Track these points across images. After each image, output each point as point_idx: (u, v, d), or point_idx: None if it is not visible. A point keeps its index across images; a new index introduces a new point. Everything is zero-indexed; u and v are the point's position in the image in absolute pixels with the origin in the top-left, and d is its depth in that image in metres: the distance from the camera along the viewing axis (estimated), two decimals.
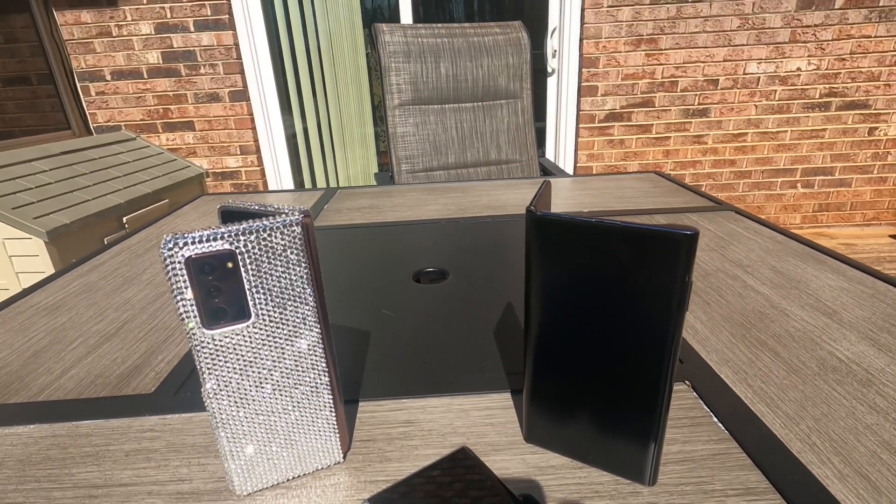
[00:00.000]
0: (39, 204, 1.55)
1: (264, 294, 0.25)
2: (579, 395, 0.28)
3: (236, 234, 0.24)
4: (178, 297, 0.23)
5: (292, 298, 0.26)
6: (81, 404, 0.38)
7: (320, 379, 0.28)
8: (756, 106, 2.42)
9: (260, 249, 0.24)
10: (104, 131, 2.52)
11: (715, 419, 0.33)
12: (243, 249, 0.24)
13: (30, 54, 2.47)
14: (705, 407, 0.34)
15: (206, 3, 2.31)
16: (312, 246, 0.26)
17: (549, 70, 2.54)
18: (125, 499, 0.29)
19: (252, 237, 0.24)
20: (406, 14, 2.49)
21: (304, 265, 0.25)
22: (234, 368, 0.26)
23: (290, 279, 0.25)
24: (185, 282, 0.23)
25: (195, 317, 0.24)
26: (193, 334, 0.24)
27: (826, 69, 2.35)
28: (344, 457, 0.31)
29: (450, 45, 1.49)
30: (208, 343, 0.25)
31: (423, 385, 0.38)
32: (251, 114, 2.52)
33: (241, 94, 2.46)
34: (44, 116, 2.59)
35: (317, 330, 0.27)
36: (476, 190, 0.99)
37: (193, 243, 0.23)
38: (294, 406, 0.28)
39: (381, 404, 0.36)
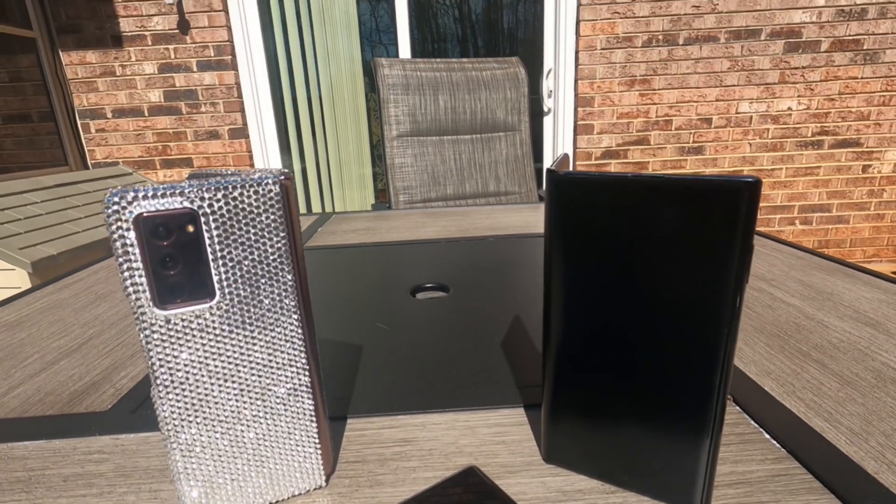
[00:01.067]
0: (27, 235, 1.50)
1: (232, 268, 0.21)
2: (611, 403, 0.24)
3: (199, 191, 0.19)
4: (125, 266, 0.19)
5: (266, 275, 0.21)
6: (20, 423, 0.32)
7: (299, 378, 0.23)
8: (750, 144, 2.45)
9: (228, 211, 0.20)
10: (101, 168, 2.51)
11: (767, 436, 0.28)
12: (207, 210, 0.20)
13: (33, 92, 2.50)
14: (753, 422, 0.29)
15: (209, 44, 2.36)
16: (293, 214, 0.22)
17: (546, 109, 2.58)
18: None
19: (219, 195, 0.20)
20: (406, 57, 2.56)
21: (281, 234, 0.21)
22: (192, 361, 0.21)
23: (265, 251, 0.21)
24: (132, 246, 0.19)
25: (144, 292, 0.19)
26: (142, 314, 0.20)
27: (816, 109, 2.40)
28: (327, 481, 0.26)
29: (448, 79, 1.51)
30: (160, 326, 0.20)
31: (423, 400, 0.33)
32: (250, 151, 2.53)
33: (241, 132, 2.48)
34: (42, 153, 2.59)
35: (296, 316, 0.22)
36: (476, 213, 0.96)
37: (146, 198, 0.19)
38: (266, 412, 0.23)
39: (372, 421, 0.31)
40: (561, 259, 0.23)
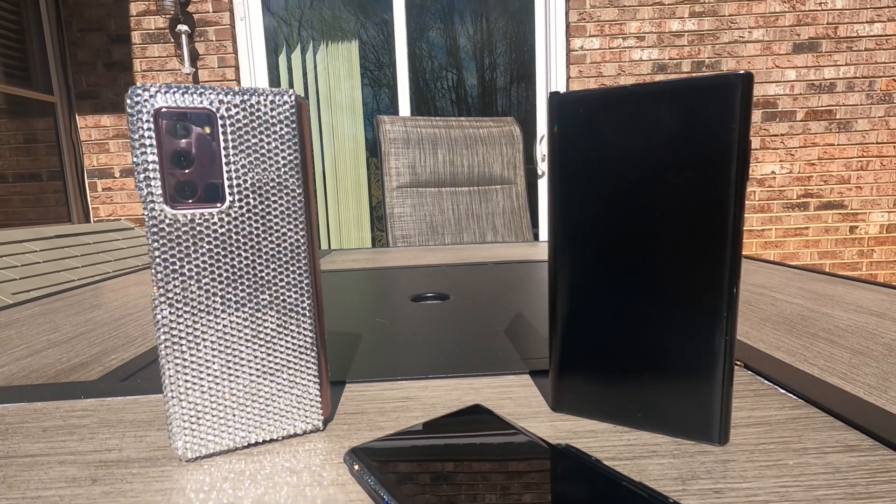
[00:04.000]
0: (21, 281, 1.49)
1: (244, 175, 0.21)
2: (620, 335, 0.23)
3: (218, 94, 0.20)
4: (141, 159, 0.19)
5: (277, 187, 0.22)
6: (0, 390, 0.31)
7: (302, 300, 0.23)
8: None
9: (245, 117, 0.21)
10: (103, 222, 2.55)
11: (782, 391, 0.27)
12: (225, 114, 0.21)
13: (45, 153, 2.59)
14: (767, 382, 0.28)
15: None
16: (306, 132, 0.22)
17: (540, 173, 2.68)
18: (26, 468, 0.22)
19: (237, 99, 0.21)
20: None
21: (294, 147, 0.22)
22: (196, 266, 0.21)
23: (277, 162, 0.22)
24: (150, 140, 0.19)
25: (156, 187, 0.20)
26: (152, 209, 0.20)
27: (798, 173, 2.50)
28: (324, 426, 0.24)
29: (447, 135, 1.58)
30: (168, 225, 0.20)
31: (424, 369, 0.32)
32: None
33: None
34: (46, 210, 2.63)
35: (303, 232, 0.22)
36: (475, 248, 0.97)
37: (167, 93, 0.20)
38: (265, 334, 0.22)
39: (372, 386, 0.30)
40: (566, 181, 0.23)
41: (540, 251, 0.93)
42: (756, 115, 2.46)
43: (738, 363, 0.31)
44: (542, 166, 2.67)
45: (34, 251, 1.69)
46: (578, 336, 0.24)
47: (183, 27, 2.31)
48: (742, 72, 0.19)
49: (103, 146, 2.57)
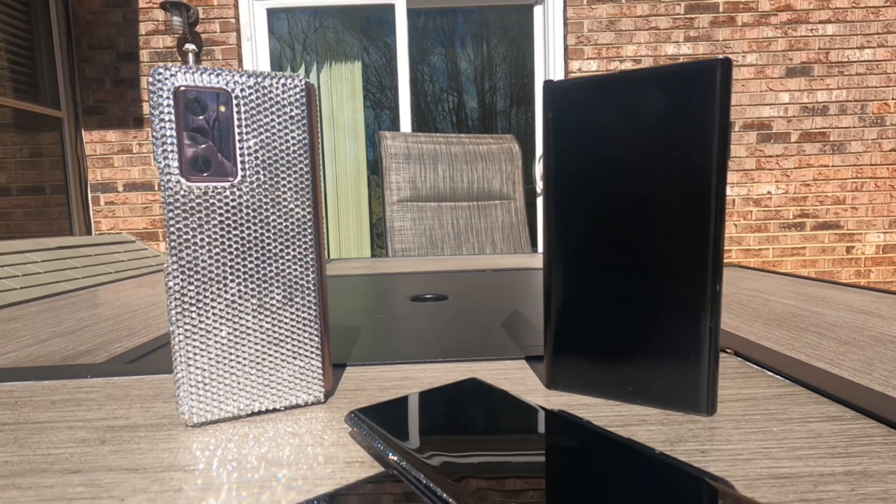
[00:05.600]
0: (22, 290, 1.50)
1: (256, 151, 0.22)
2: (612, 316, 0.24)
3: (233, 75, 0.22)
4: (159, 134, 0.21)
5: (286, 164, 0.23)
6: (6, 371, 0.31)
7: (307, 274, 0.24)
8: (735, 225, 2.55)
9: (258, 97, 0.22)
10: (105, 235, 2.56)
11: (770, 374, 0.28)
12: (239, 94, 0.22)
13: (50, 167, 2.63)
14: (755, 366, 0.29)
15: None
16: (313, 115, 0.24)
17: (539, 192, 2.71)
18: (36, 432, 0.22)
19: (251, 80, 0.22)
20: None
21: (303, 127, 0.23)
22: (208, 237, 0.22)
23: (287, 140, 0.23)
24: (169, 116, 0.21)
25: (173, 160, 0.21)
26: (168, 182, 0.21)
27: (794, 193, 2.53)
28: (325, 399, 0.25)
29: (447, 151, 1.61)
30: (183, 196, 0.21)
31: (423, 355, 0.32)
32: None
33: None
34: (49, 223, 2.65)
35: (310, 208, 0.24)
36: (473, 258, 0.98)
37: (186, 73, 0.21)
38: (272, 304, 0.23)
39: (371, 368, 0.31)
40: (560, 164, 0.24)
41: (538, 261, 0.94)
42: (751, 136, 2.50)
43: (728, 350, 0.32)
44: (541, 185, 2.70)
45: (35, 261, 1.70)
46: (572, 314, 0.25)
47: (190, 46, 2.36)
48: (721, 56, 0.20)
49: (107, 161, 2.61)
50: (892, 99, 2.49)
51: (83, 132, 2.58)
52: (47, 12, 2.49)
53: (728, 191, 2.52)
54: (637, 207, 0.23)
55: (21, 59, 2.41)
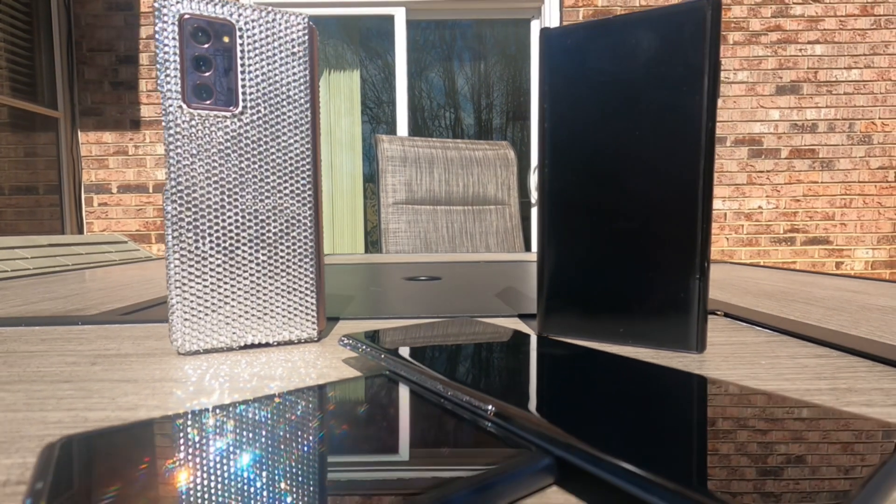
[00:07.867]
0: None
1: (258, 84, 0.23)
2: (604, 256, 0.24)
3: (239, 7, 0.22)
4: (163, 60, 0.21)
5: (287, 98, 0.23)
6: None
7: (304, 209, 0.24)
8: (727, 238, 2.58)
9: (261, 31, 0.23)
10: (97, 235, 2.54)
11: (758, 328, 0.28)
12: (243, 26, 0.22)
13: (44, 167, 2.62)
14: (744, 323, 0.30)
15: None
16: (315, 55, 0.24)
17: (533, 202, 2.73)
18: (27, 357, 0.22)
19: (255, 14, 0.23)
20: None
21: (304, 63, 0.24)
22: (206, 165, 0.22)
23: (288, 76, 0.23)
24: (173, 42, 0.21)
25: (176, 86, 0.21)
26: (170, 107, 0.21)
27: (784, 208, 2.57)
28: (318, 338, 0.25)
29: (443, 156, 1.62)
30: (184, 121, 0.22)
31: (416, 312, 0.32)
32: None
33: None
34: (41, 223, 2.63)
35: (308, 144, 0.24)
36: (467, 254, 0.98)
37: (192, 1, 0.22)
38: (268, 237, 0.23)
39: (365, 321, 0.31)
40: (555, 108, 0.25)
41: (533, 256, 0.94)
42: (742, 152, 2.54)
43: (718, 312, 0.32)
44: (535, 196, 2.72)
45: (25, 258, 1.68)
46: (566, 257, 0.25)
47: None
48: None
49: (103, 162, 2.60)
50: (879, 118, 2.55)
51: (79, 133, 2.58)
52: (49, 14, 2.51)
53: (720, 205, 2.55)
54: (630, 148, 0.23)
55: (21, 60, 2.42)
